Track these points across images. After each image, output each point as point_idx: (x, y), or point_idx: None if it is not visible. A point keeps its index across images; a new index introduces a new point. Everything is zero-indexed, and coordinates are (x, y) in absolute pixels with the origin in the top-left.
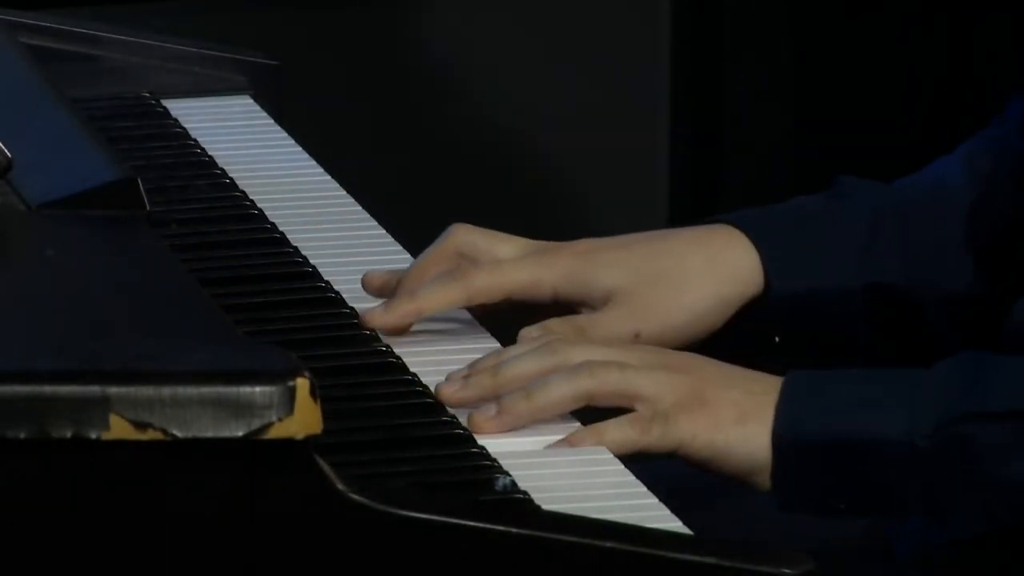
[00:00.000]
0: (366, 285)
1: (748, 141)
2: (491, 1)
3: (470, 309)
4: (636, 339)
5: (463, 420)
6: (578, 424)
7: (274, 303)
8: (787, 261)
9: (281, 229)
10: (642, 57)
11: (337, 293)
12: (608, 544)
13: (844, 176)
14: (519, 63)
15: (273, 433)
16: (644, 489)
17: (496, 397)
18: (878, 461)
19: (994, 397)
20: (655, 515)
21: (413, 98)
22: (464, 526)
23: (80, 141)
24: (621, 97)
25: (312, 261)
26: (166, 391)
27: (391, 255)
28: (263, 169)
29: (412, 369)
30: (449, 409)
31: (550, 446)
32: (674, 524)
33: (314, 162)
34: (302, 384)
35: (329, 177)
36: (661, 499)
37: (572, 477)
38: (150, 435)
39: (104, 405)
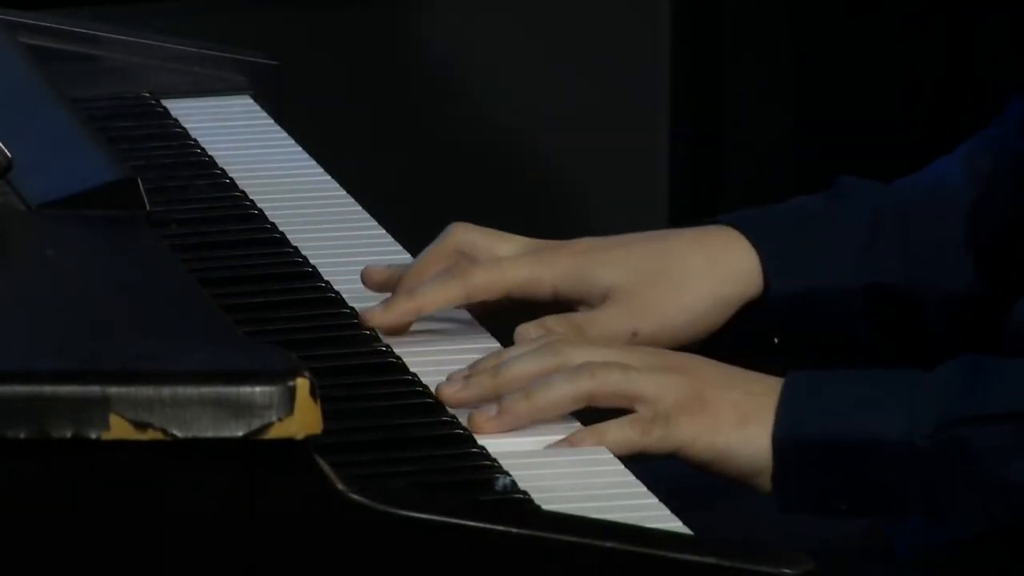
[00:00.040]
0: (366, 280)
1: (748, 141)
2: (491, 1)
3: (469, 308)
4: (634, 338)
5: (463, 420)
6: (578, 424)
7: (274, 303)
8: (786, 261)
9: (281, 229)
10: (642, 57)
11: (337, 293)
12: (608, 544)
13: (844, 176)
14: (519, 63)
15: (273, 433)
16: (644, 489)
17: (497, 397)
18: (878, 462)
19: (993, 399)
20: (655, 515)
21: (413, 98)
22: (464, 526)
23: (80, 141)
24: (621, 97)
25: (312, 261)
26: (166, 391)
27: (391, 255)
28: (263, 169)
29: (412, 369)
30: (449, 409)
31: (550, 446)
32: (674, 524)
33: (314, 162)
34: (302, 384)
35: (329, 177)
36: (661, 499)
37: (572, 477)
38: (150, 435)
39: (104, 405)
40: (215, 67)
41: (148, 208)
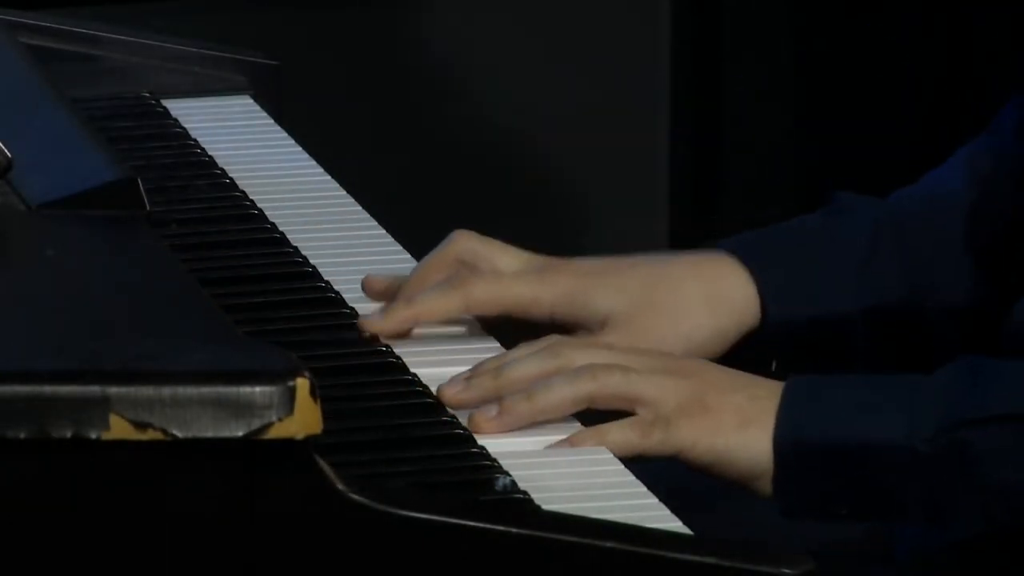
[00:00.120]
0: (367, 289)
1: (748, 141)
2: (491, 1)
3: None
4: None
5: (463, 420)
6: (579, 425)
7: (274, 303)
8: (784, 289)
9: (281, 229)
10: (642, 57)
11: (337, 293)
12: (608, 544)
13: (842, 192)
14: (519, 63)
15: (273, 433)
16: (644, 489)
17: (498, 399)
18: (878, 466)
19: (993, 400)
20: (655, 515)
21: (413, 98)
22: (464, 526)
23: (80, 141)
24: (621, 97)
25: (312, 261)
26: (166, 391)
27: (391, 255)
28: (263, 169)
29: (412, 369)
30: (449, 409)
31: (550, 446)
32: (674, 524)
33: (314, 162)
34: (302, 384)
35: (329, 177)
36: (661, 499)
37: (572, 477)
38: (150, 435)
39: (104, 405)
40: (215, 67)
41: (148, 208)
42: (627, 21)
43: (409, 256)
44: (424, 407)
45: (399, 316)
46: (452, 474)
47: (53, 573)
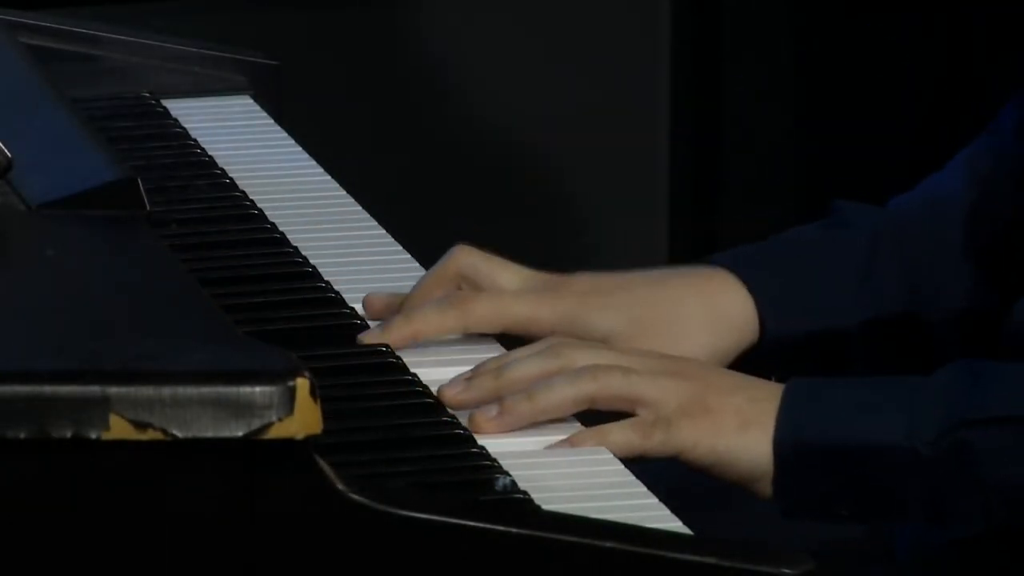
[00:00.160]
0: (367, 308)
1: (748, 141)
2: (491, 1)
3: None
4: None
5: (463, 420)
6: (579, 425)
7: (274, 303)
8: (783, 305)
9: (281, 229)
10: (642, 57)
11: (337, 293)
12: (608, 544)
13: (841, 201)
14: (519, 63)
15: (273, 433)
16: (644, 489)
17: (498, 399)
18: (878, 467)
19: (994, 401)
20: (655, 515)
21: (413, 98)
22: (464, 526)
23: (80, 141)
24: (621, 97)
25: (312, 261)
26: (166, 391)
27: (391, 255)
28: (263, 169)
29: (412, 369)
30: (449, 409)
31: (551, 446)
32: (674, 524)
33: (314, 162)
34: (302, 384)
35: (329, 177)
36: (661, 499)
37: (572, 477)
38: (150, 435)
39: (104, 405)
40: (215, 67)
41: (148, 208)
42: (627, 21)
43: (409, 256)
44: (424, 407)
45: (398, 333)
46: (452, 474)
47: (53, 573)
